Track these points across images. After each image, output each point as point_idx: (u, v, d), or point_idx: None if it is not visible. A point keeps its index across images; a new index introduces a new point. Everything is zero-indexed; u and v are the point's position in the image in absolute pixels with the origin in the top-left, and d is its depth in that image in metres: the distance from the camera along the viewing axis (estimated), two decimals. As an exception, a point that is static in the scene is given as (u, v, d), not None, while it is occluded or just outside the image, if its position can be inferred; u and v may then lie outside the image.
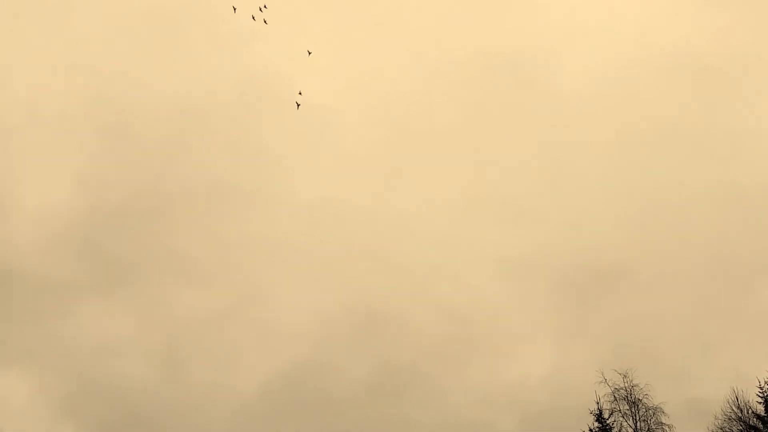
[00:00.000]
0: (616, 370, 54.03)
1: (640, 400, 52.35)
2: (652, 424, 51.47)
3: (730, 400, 51.89)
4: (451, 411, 78.42)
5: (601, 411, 53.08)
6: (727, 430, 51.20)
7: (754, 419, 50.54)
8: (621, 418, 52.18)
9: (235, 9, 62.79)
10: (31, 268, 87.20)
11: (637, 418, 51.89)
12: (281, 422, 77.41)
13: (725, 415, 51.61)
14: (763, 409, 50.38)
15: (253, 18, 62.95)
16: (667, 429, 51.63)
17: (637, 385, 53.02)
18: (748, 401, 51.34)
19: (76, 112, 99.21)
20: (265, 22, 62.48)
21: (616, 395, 53.10)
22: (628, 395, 52.86)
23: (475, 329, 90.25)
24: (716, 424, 51.78)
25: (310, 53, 67.43)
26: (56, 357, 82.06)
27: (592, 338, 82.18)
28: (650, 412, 51.84)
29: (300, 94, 66.22)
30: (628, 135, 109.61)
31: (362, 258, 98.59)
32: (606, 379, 53.60)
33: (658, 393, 53.04)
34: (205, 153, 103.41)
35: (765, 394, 50.40)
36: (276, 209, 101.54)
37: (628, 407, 52.44)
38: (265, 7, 62.45)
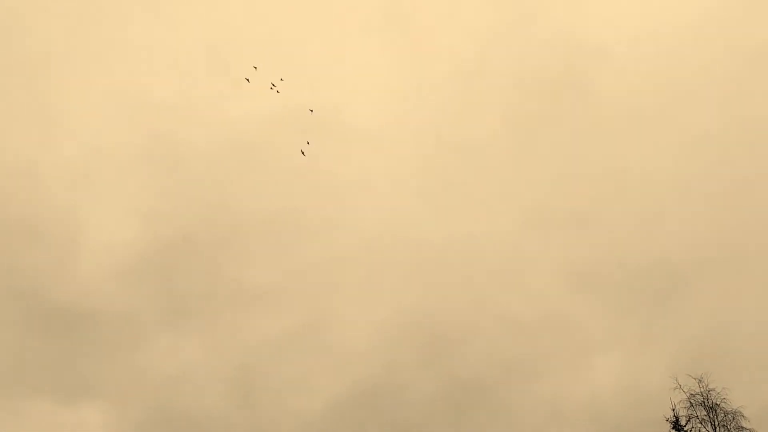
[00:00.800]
0: (690, 375, 51.52)
1: (718, 405, 49.54)
2: (732, 429, 48.57)
3: (816, 401, 48.59)
4: (523, 426, 76.50)
5: (677, 418, 50.65)
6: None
7: None
8: (699, 425, 49.54)
9: (248, 80, 65.02)
10: (103, 304, 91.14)
11: (716, 424, 49.04)
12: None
13: (811, 416, 48.17)
14: None
15: (271, 88, 64.99)
16: (749, 434, 48.74)
17: (713, 390, 50.35)
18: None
19: (136, 151, 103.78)
20: (277, 92, 64.46)
21: (692, 401, 50.50)
22: (705, 400, 50.12)
23: (543, 340, 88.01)
24: (803, 426, 48.43)
25: (312, 111, 69.08)
26: (132, 388, 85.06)
27: (666, 343, 78.57)
28: (729, 416, 48.92)
29: (308, 143, 67.71)
30: (691, 132, 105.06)
31: (424, 275, 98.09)
32: (680, 385, 51.16)
33: (736, 396, 50.19)
34: (262, 183, 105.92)
35: None
36: (335, 234, 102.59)
37: (705, 413, 49.74)
38: (281, 80, 64.54)
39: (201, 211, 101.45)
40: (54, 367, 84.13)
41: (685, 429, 49.94)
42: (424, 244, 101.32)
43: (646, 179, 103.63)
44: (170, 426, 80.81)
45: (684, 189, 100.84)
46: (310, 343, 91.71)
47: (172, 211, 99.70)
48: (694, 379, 50.99)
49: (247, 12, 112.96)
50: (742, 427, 48.55)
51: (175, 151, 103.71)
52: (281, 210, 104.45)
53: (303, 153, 67.02)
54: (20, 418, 78.04)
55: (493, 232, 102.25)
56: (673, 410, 50.64)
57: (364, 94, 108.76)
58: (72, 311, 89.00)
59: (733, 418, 48.88)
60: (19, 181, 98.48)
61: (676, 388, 51.07)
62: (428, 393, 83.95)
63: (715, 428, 48.99)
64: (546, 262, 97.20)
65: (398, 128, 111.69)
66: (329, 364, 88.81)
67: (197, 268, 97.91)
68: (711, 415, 49.42)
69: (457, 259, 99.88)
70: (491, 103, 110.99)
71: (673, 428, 50.33)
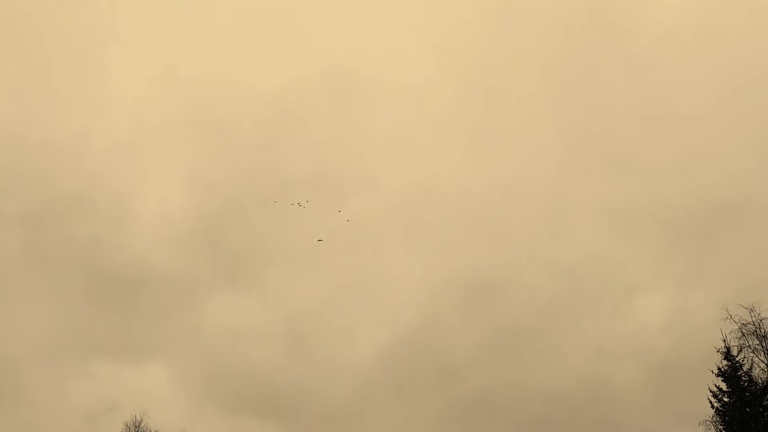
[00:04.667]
0: (741, 305, 50.23)
1: (771, 333, 49.30)
2: (786, 357, 48.48)
3: None
4: (570, 367, 77.84)
5: (729, 349, 50.04)
6: None
7: None
8: (751, 354, 49.20)
9: (276, 201, 67.62)
10: (158, 268, 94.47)
11: (770, 352, 48.94)
12: (400, 390, 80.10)
13: None
14: None
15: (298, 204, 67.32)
16: (804, 360, 48.53)
17: (766, 318, 49.32)
18: None
19: (177, 120, 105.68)
20: (302, 206, 66.03)
21: (743, 331, 49.69)
22: (757, 329, 49.47)
23: (587, 283, 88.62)
24: None
25: (348, 221, 70.83)
26: (191, 346, 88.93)
27: (714, 277, 78.53)
28: (783, 344, 48.76)
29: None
30: (731, 66, 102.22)
31: (464, 224, 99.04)
32: (731, 316, 50.12)
33: (790, 324, 49.64)
34: (301, 146, 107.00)
35: None
36: (378, 190, 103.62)
37: (758, 342, 49.33)
38: (307, 201, 66.25)
39: (245, 176, 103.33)
40: (115, 330, 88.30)
41: (737, 359, 49.66)
42: (463, 194, 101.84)
43: (686, 117, 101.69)
44: (231, 379, 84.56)
45: (725, 125, 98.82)
46: (357, 295, 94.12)
47: (214, 177, 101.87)
48: (745, 308, 49.97)
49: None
50: (797, 354, 48.44)
51: (218, 121, 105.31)
52: (322, 169, 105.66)
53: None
54: (88, 378, 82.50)
55: (533, 177, 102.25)
56: (724, 341, 50.00)
57: (398, 49, 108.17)
58: (129, 277, 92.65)
59: (788, 346, 48.69)
60: (72, 155, 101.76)
61: (726, 318, 50.21)
62: (474, 339, 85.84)
63: (769, 356, 48.88)
64: (587, 204, 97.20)
65: (433, 80, 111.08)
66: (376, 315, 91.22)
67: (245, 231, 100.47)
68: (764, 344, 48.90)
69: (497, 207, 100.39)
70: (525, 49, 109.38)
71: (724, 359, 49.81)
